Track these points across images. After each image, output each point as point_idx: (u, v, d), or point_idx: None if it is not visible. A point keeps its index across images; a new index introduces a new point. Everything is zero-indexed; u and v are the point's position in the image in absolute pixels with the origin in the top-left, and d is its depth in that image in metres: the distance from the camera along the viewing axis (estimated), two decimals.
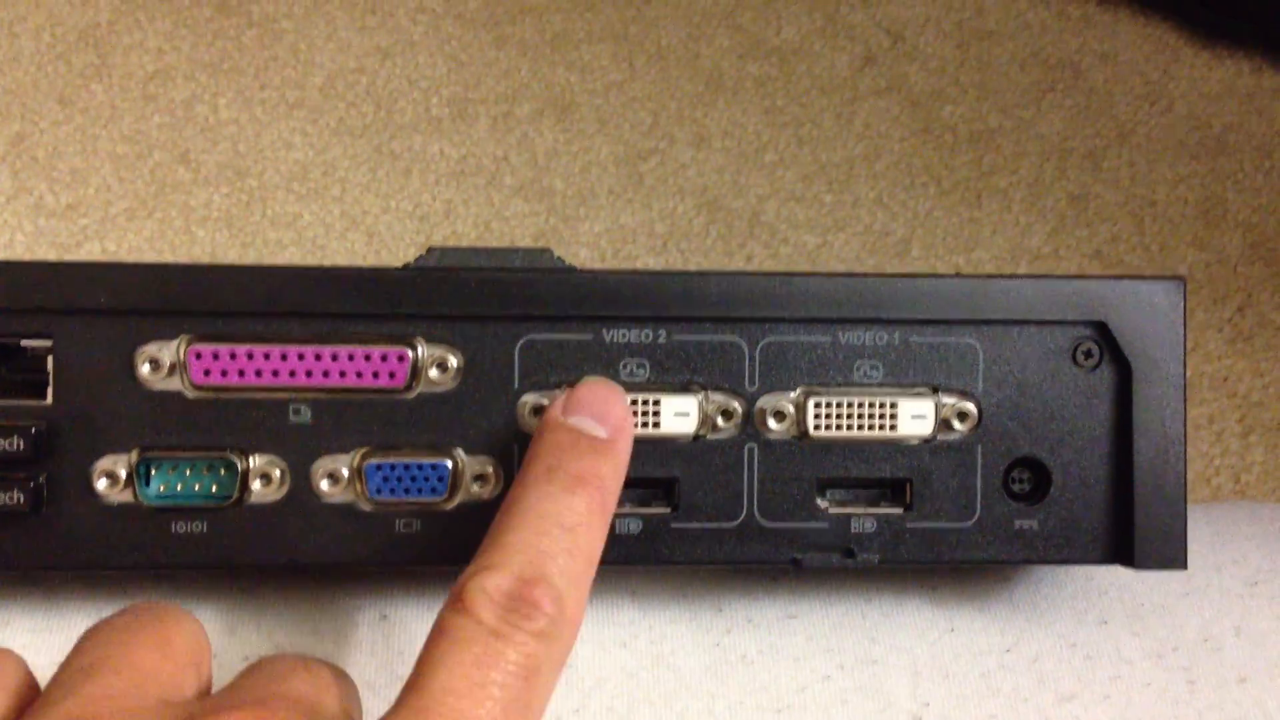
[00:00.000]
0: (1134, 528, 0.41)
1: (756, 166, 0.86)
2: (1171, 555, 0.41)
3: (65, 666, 0.33)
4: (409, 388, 0.39)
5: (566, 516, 0.34)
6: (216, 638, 0.41)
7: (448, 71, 0.88)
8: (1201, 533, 0.44)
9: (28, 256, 0.79)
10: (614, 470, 0.36)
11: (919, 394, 0.40)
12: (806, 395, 0.40)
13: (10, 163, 0.82)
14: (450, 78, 0.87)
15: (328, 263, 0.80)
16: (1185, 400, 0.42)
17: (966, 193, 0.87)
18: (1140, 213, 0.87)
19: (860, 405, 0.40)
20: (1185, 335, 0.41)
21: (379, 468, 0.39)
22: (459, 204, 0.83)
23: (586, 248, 0.82)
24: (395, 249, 0.81)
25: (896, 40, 0.92)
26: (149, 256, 0.80)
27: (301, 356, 0.39)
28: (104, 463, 0.38)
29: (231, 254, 0.80)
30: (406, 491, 0.39)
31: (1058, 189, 0.87)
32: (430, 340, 0.39)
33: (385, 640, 0.42)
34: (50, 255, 0.79)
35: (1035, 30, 0.93)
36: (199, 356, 0.38)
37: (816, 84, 0.90)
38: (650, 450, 0.40)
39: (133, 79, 0.85)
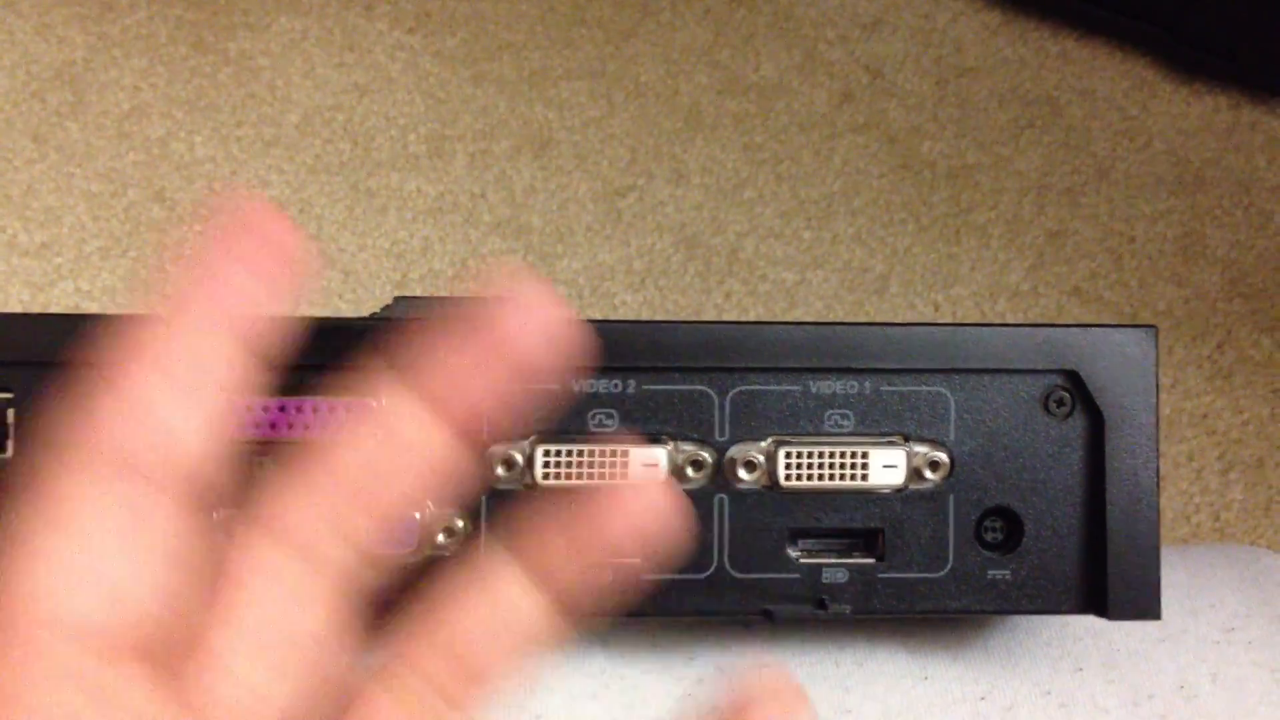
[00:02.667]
0: (1107, 578, 0.40)
1: (735, 203, 0.86)
2: (1145, 605, 0.40)
3: None
4: None
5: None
6: None
7: (425, 109, 0.88)
8: (1177, 577, 0.44)
9: (0, 295, 0.79)
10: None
11: (890, 443, 0.40)
12: (777, 445, 0.40)
13: None
14: (428, 115, 0.87)
15: (303, 303, 0.79)
16: (1158, 449, 0.41)
17: (945, 229, 0.87)
18: (1119, 249, 0.87)
19: (831, 455, 0.40)
20: (1158, 384, 0.41)
21: None
22: (436, 241, 0.83)
23: (564, 285, 0.82)
24: (371, 287, 0.81)
25: (875, 77, 0.92)
26: (123, 295, 0.79)
27: (265, 409, 0.38)
28: None
29: None
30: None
31: (1036, 226, 0.87)
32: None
33: None
34: (23, 293, 0.79)
35: (1014, 67, 0.93)
36: None
37: (795, 120, 0.90)
38: None
39: (108, 117, 0.85)
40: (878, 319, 0.83)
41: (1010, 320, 0.84)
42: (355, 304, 0.80)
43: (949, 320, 0.84)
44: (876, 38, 0.93)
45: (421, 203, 0.84)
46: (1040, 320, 0.85)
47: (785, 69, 0.92)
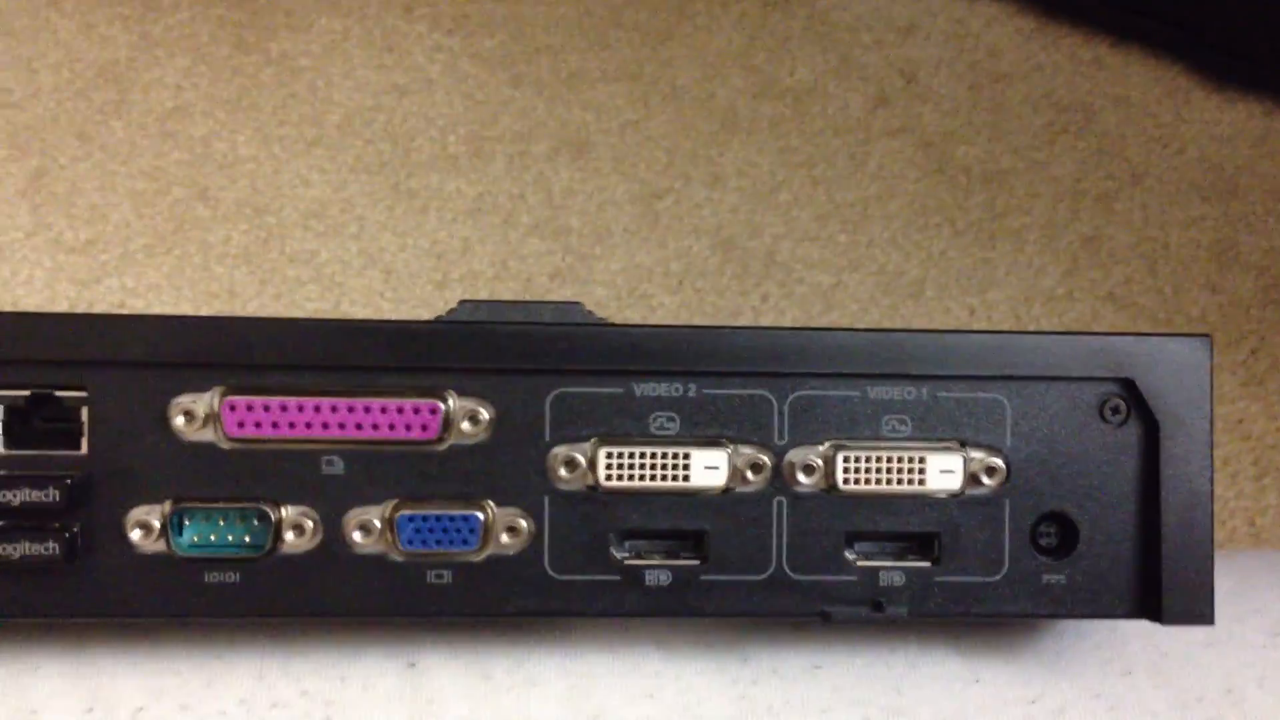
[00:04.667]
0: (1161, 583, 0.41)
1: (771, 206, 0.86)
2: (1198, 611, 0.41)
3: None
4: (440, 440, 0.39)
5: None
6: (245, 684, 0.41)
7: (464, 110, 0.88)
8: (1223, 583, 0.44)
9: (46, 292, 0.80)
10: None
11: (947, 449, 0.41)
12: (835, 449, 0.40)
13: (30, 198, 0.82)
14: (467, 116, 0.88)
15: (345, 301, 0.80)
16: (1212, 456, 0.42)
17: (980, 234, 0.87)
18: (1153, 255, 0.87)
19: (889, 459, 0.40)
20: (1212, 392, 0.41)
21: (410, 519, 0.39)
22: (475, 242, 0.83)
23: (603, 286, 0.83)
24: (412, 286, 0.81)
25: (910, 81, 0.92)
26: (167, 292, 0.80)
27: (334, 409, 0.39)
28: (138, 513, 0.39)
29: (249, 290, 0.80)
30: (438, 543, 0.39)
31: (1071, 231, 0.88)
32: (462, 393, 0.39)
33: (413, 689, 0.42)
34: (69, 290, 0.80)
35: (1048, 73, 0.93)
36: (233, 408, 0.39)
37: (830, 124, 0.90)
38: (680, 503, 0.40)
39: (152, 115, 0.85)
40: (914, 323, 0.83)
41: (1046, 326, 0.85)
42: (396, 302, 0.81)
43: (985, 324, 0.85)
44: (911, 42, 0.93)
45: (461, 203, 0.85)
46: (1076, 326, 0.85)
47: (820, 73, 0.92)
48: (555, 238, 0.84)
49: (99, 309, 0.78)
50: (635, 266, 0.83)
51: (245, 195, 0.83)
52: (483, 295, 0.81)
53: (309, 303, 0.80)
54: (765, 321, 0.83)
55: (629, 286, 0.83)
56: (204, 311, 0.79)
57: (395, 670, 0.42)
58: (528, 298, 0.81)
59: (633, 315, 0.81)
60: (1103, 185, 0.89)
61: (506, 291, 0.81)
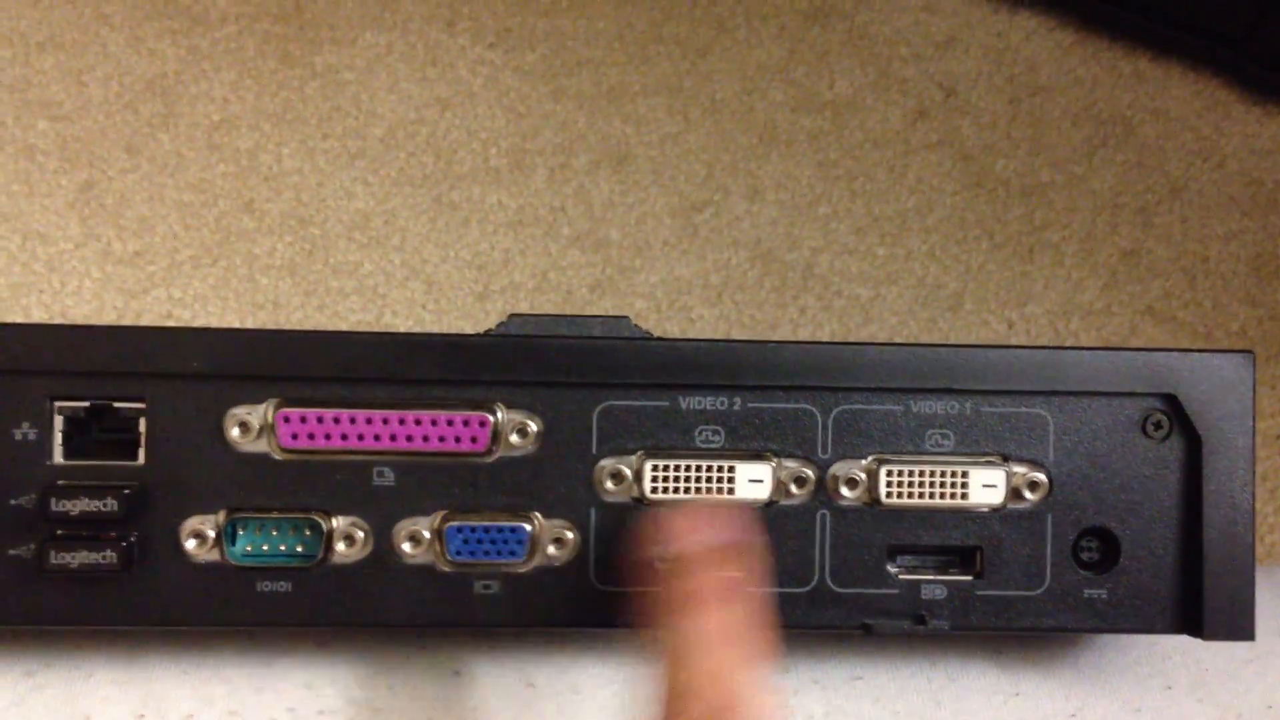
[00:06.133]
0: (1203, 598, 0.41)
1: (810, 219, 0.87)
2: (1240, 626, 0.41)
3: None
4: (489, 452, 0.40)
5: (726, 631, 0.35)
6: (293, 691, 0.42)
7: (506, 123, 0.89)
8: (1263, 597, 0.44)
9: (94, 302, 0.81)
10: (744, 565, 0.37)
11: (990, 463, 0.41)
12: (879, 463, 0.41)
13: (79, 209, 0.83)
14: (509, 129, 0.89)
15: (388, 312, 0.81)
16: (1254, 472, 0.42)
17: (1018, 247, 0.87)
18: (1193, 269, 0.87)
19: (932, 474, 0.41)
20: (1254, 408, 0.42)
21: (459, 530, 0.40)
22: (516, 254, 0.84)
23: (642, 298, 0.83)
24: (454, 298, 0.82)
25: (949, 94, 0.93)
26: (213, 303, 0.81)
27: (386, 421, 0.40)
28: (192, 522, 0.39)
29: (294, 301, 0.81)
30: (486, 554, 0.40)
31: (1110, 244, 0.88)
32: (510, 406, 0.40)
33: (459, 696, 0.42)
34: (117, 300, 0.81)
35: (1087, 86, 0.93)
36: (287, 420, 0.39)
37: (869, 137, 0.91)
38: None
39: (198, 128, 0.87)
40: (952, 336, 0.83)
41: (1085, 340, 0.85)
42: (438, 314, 0.81)
43: (1023, 338, 0.85)
44: (950, 56, 0.93)
45: (502, 215, 0.85)
46: (1115, 340, 0.85)
47: (859, 86, 0.92)
48: (595, 250, 0.84)
49: (146, 319, 0.79)
50: (675, 279, 0.84)
51: (290, 207, 0.84)
52: (524, 306, 0.81)
53: (352, 314, 0.81)
54: (803, 334, 0.83)
55: (669, 299, 0.83)
56: (249, 322, 0.80)
57: (441, 679, 0.43)
58: (568, 309, 0.81)
59: (672, 327, 0.81)
60: (1142, 199, 0.89)
61: (547, 303, 0.82)
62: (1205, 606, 0.41)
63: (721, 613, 0.35)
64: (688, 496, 0.40)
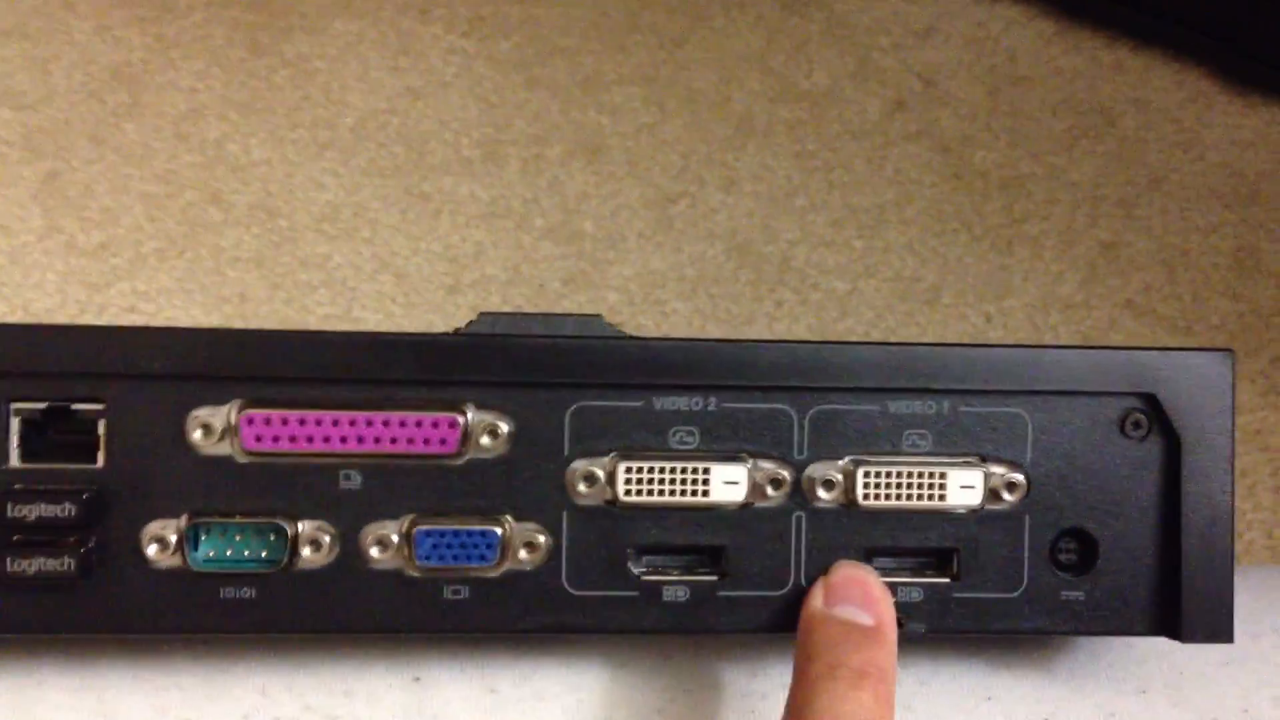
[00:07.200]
0: (1181, 600, 0.41)
1: (787, 211, 0.86)
2: (1218, 628, 0.41)
3: None
4: (459, 454, 0.39)
5: (859, 714, 0.34)
6: (249, 698, 0.41)
7: (478, 113, 0.88)
8: (1240, 599, 0.44)
9: (57, 295, 0.80)
10: (889, 655, 0.37)
11: (968, 464, 0.40)
12: (855, 464, 0.40)
13: (42, 201, 0.82)
14: (481, 119, 0.88)
15: (356, 306, 0.80)
16: (1234, 472, 0.42)
17: (997, 240, 0.87)
18: (1173, 262, 0.87)
19: (909, 475, 0.40)
20: (1234, 407, 0.41)
21: (428, 534, 0.39)
22: (489, 246, 0.83)
23: (616, 292, 0.82)
24: (424, 291, 0.81)
25: (928, 85, 0.92)
26: (179, 296, 0.80)
27: (353, 422, 0.39)
28: (154, 527, 0.39)
29: (261, 294, 0.80)
30: (455, 558, 0.39)
31: (1089, 237, 0.87)
32: (481, 406, 0.39)
33: (418, 704, 0.42)
34: (80, 293, 0.80)
35: (1067, 76, 0.93)
36: (250, 422, 0.38)
37: (847, 129, 0.90)
38: (698, 518, 0.40)
39: (165, 118, 0.85)
40: (929, 331, 0.83)
41: (1064, 334, 0.84)
42: (408, 307, 0.81)
43: (1001, 332, 0.84)
44: (929, 46, 0.93)
45: (474, 207, 0.85)
46: (1094, 334, 0.85)
47: (838, 77, 0.92)
48: (569, 242, 0.83)
49: (110, 312, 0.78)
50: (649, 272, 0.83)
51: (258, 199, 0.83)
52: (495, 300, 0.80)
53: (320, 308, 0.80)
54: (780, 328, 0.82)
55: (643, 292, 0.82)
56: (215, 316, 0.79)
57: (401, 685, 0.42)
58: (541, 303, 0.80)
59: (646, 321, 0.81)
60: (1122, 191, 0.89)
61: (519, 296, 0.81)
62: (1183, 609, 0.41)
63: (862, 696, 0.35)
64: (663, 499, 0.40)
